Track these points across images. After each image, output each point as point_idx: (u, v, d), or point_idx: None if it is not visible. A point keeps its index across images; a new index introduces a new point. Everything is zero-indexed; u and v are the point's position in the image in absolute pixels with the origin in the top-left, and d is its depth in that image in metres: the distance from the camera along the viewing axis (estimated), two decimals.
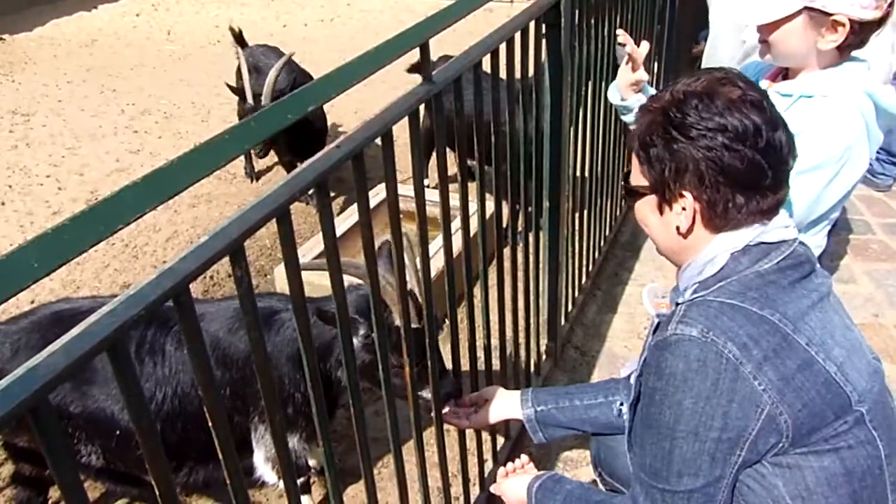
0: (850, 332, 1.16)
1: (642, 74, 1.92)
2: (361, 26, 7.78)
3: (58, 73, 6.50)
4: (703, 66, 2.40)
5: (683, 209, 1.18)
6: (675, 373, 1.09)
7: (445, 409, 1.73)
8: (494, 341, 1.98)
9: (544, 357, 2.63)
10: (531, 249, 2.29)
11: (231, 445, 0.96)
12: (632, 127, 1.32)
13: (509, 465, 1.62)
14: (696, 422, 1.08)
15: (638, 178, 1.26)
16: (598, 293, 3.12)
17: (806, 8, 1.46)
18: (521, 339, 2.32)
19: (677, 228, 1.21)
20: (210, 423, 0.95)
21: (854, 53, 1.55)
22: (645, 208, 1.27)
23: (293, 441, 1.94)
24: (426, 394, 1.66)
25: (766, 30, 1.55)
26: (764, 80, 1.72)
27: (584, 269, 2.94)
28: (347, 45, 7.04)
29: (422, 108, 1.38)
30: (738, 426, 1.07)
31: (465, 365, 1.89)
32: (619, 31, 2.06)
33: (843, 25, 1.45)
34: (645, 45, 2.03)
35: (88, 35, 7.92)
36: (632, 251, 3.42)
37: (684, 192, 1.17)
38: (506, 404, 1.75)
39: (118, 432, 1.78)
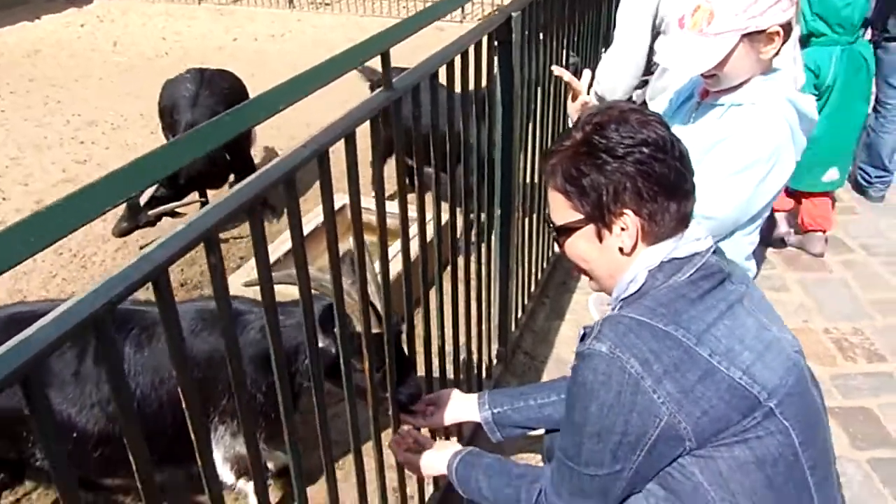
0: (766, 331, 1.24)
1: (585, 97, 2.05)
2: (313, 42, 7.83)
3: (0, 83, 6.36)
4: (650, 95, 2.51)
5: (623, 229, 1.24)
6: (585, 382, 1.20)
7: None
8: (448, 347, 2.05)
9: (495, 361, 2.71)
10: (483, 257, 2.38)
11: (207, 437, 1.00)
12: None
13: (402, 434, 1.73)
14: (600, 426, 1.19)
15: (567, 216, 1.29)
16: (547, 301, 3.23)
17: (743, 35, 1.58)
18: (474, 345, 2.40)
19: (620, 250, 1.26)
20: (186, 412, 0.99)
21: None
22: (579, 243, 1.30)
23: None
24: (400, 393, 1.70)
25: (713, 69, 1.63)
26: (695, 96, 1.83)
27: (533, 278, 3.04)
28: (300, 59, 7.07)
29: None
30: (637, 432, 1.17)
31: (420, 370, 1.95)
32: (555, 67, 2.20)
33: (777, 34, 1.58)
34: (587, 75, 2.17)
35: (31, 45, 7.77)
36: None
37: (625, 211, 1.23)
38: (462, 407, 1.81)
39: (75, 435, 1.79)
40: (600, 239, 1.27)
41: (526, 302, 2.99)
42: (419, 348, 1.90)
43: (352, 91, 3.24)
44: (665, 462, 1.22)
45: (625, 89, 2.44)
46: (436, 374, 2.00)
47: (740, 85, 1.64)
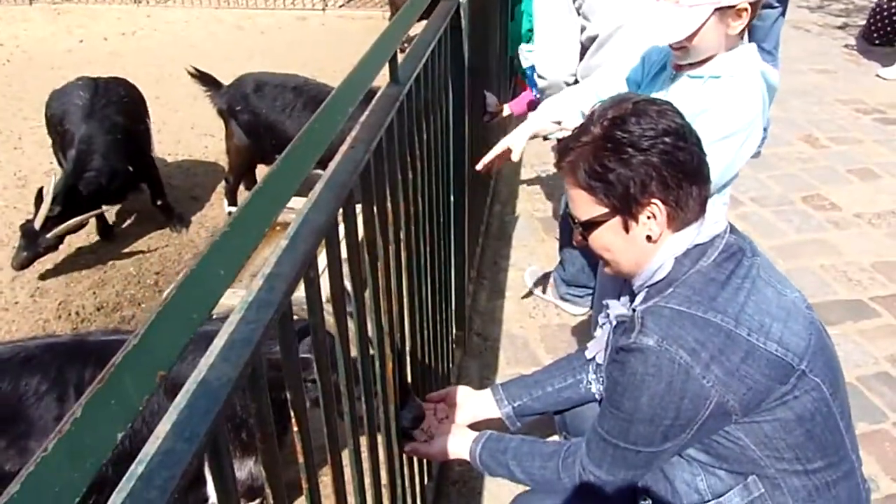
0: (783, 297, 1.33)
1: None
2: (171, 38, 7.38)
3: None
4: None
5: (650, 217, 1.28)
6: (635, 373, 1.26)
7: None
8: (416, 337, 2.04)
9: (454, 346, 2.74)
10: (443, 243, 2.39)
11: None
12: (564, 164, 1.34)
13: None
14: (652, 413, 1.26)
15: (591, 210, 1.31)
16: (485, 282, 3.29)
17: (716, 9, 1.68)
18: (435, 334, 2.40)
19: (648, 238, 1.29)
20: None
21: None
22: (606, 235, 1.32)
23: (250, 465, 1.89)
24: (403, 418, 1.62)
25: (683, 41, 1.70)
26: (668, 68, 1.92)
27: (471, 260, 3.09)
28: (160, 56, 6.67)
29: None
30: (689, 416, 1.26)
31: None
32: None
33: (746, 10, 1.69)
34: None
35: None
36: (503, 240, 3.63)
37: (652, 200, 1.27)
38: (479, 404, 1.80)
39: None
40: (627, 230, 1.30)
41: (467, 284, 3.04)
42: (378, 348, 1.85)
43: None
44: (712, 433, 1.30)
45: (570, 71, 2.50)
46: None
47: (710, 58, 1.75)
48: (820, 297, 3.09)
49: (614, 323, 1.48)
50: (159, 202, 3.84)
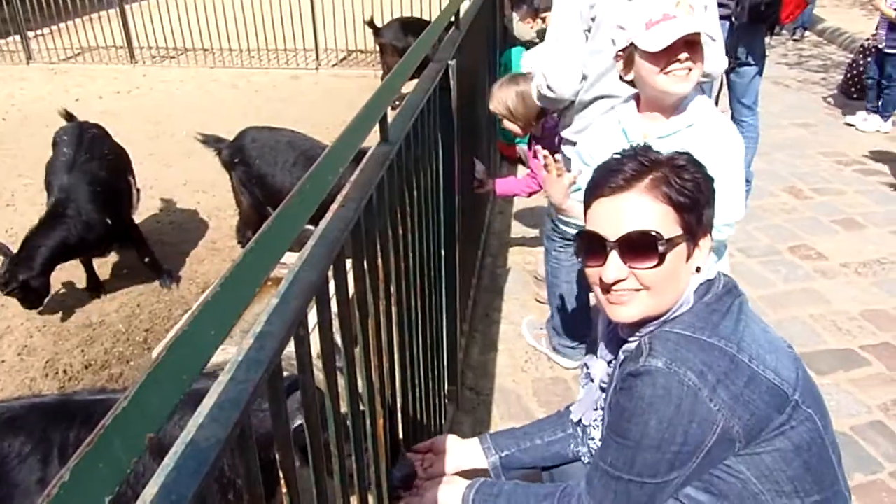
0: (767, 334, 1.37)
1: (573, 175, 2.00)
2: (166, 97, 7.50)
3: None
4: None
5: (700, 248, 1.32)
6: (643, 397, 1.26)
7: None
8: (407, 393, 2.03)
9: (447, 401, 2.72)
10: (430, 297, 2.39)
11: None
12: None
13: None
14: (660, 438, 1.26)
15: (672, 230, 1.28)
16: (477, 335, 3.29)
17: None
18: (427, 389, 2.39)
19: (698, 269, 1.33)
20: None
21: None
22: (676, 261, 1.29)
23: None
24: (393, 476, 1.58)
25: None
26: (635, 132, 1.91)
27: (460, 313, 3.09)
28: (155, 114, 6.77)
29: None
30: (696, 441, 1.25)
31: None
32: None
33: None
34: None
35: None
36: (494, 293, 3.64)
37: (708, 231, 1.33)
38: (465, 453, 1.78)
39: None
40: (688, 258, 1.31)
41: (459, 338, 3.03)
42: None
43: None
44: (715, 465, 1.29)
45: (575, 89, 2.47)
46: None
47: (676, 112, 1.83)
48: (811, 346, 3.10)
49: (622, 357, 1.46)
50: (146, 259, 3.86)
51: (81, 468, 0.51)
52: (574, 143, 2.56)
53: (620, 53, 1.86)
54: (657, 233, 1.26)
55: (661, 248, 1.26)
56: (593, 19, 2.39)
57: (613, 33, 1.86)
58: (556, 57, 2.47)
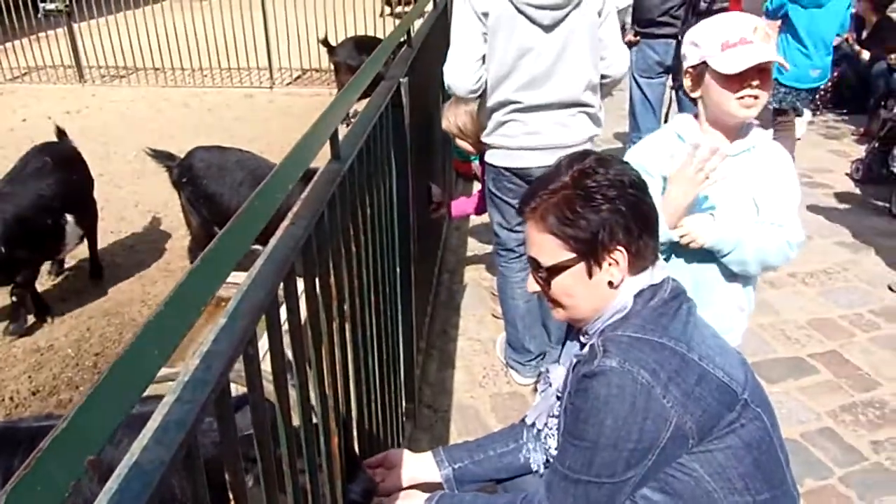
0: (717, 339, 1.42)
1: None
2: (116, 117, 7.37)
3: None
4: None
5: (612, 263, 1.35)
6: (598, 397, 1.29)
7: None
8: (363, 411, 2.02)
9: (405, 419, 2.71)
10: (390, 315, 2.39)
11: None
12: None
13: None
14: (616, 437, 1.29)
15: (558, 255, 1.36)
16: (434, 352, 3.29)
17: None
18: (383, 407, 2.38)
19: (609, 283, 1.36)
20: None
21: None
22: (568, 280, 1.38)
23: None
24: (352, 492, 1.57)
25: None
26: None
27: (419, 330, 3.09)
28: (104, 134, 6.65)
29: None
30: (651, 438, 1.28)
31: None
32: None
33: None
34: None
35: None
36: (451, 309, 3.65)
37: (617, 248, 1.34)
38: (418, 467, 1.77)
39: None
40: (590, 275, 1.36)
41: (416, 355, 3.03)
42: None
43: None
44: (669, 463, 1.32)
45: (470, 86, 2.60)
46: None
47: (746, 132, 1.88)
48: (761, 355, 3.18)
49: (574, 361, 1.48)
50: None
51: (18, 492, 0.50)
52: (496, 167, 2.73)
53: (690, 70, 1.84)
54: (538, 260, 1.41)
55: (540, 275, 1.42)
56: (485, 23, 2.54)
57: (686, 49, 1.85)
58: (452, 55, 2.63)
